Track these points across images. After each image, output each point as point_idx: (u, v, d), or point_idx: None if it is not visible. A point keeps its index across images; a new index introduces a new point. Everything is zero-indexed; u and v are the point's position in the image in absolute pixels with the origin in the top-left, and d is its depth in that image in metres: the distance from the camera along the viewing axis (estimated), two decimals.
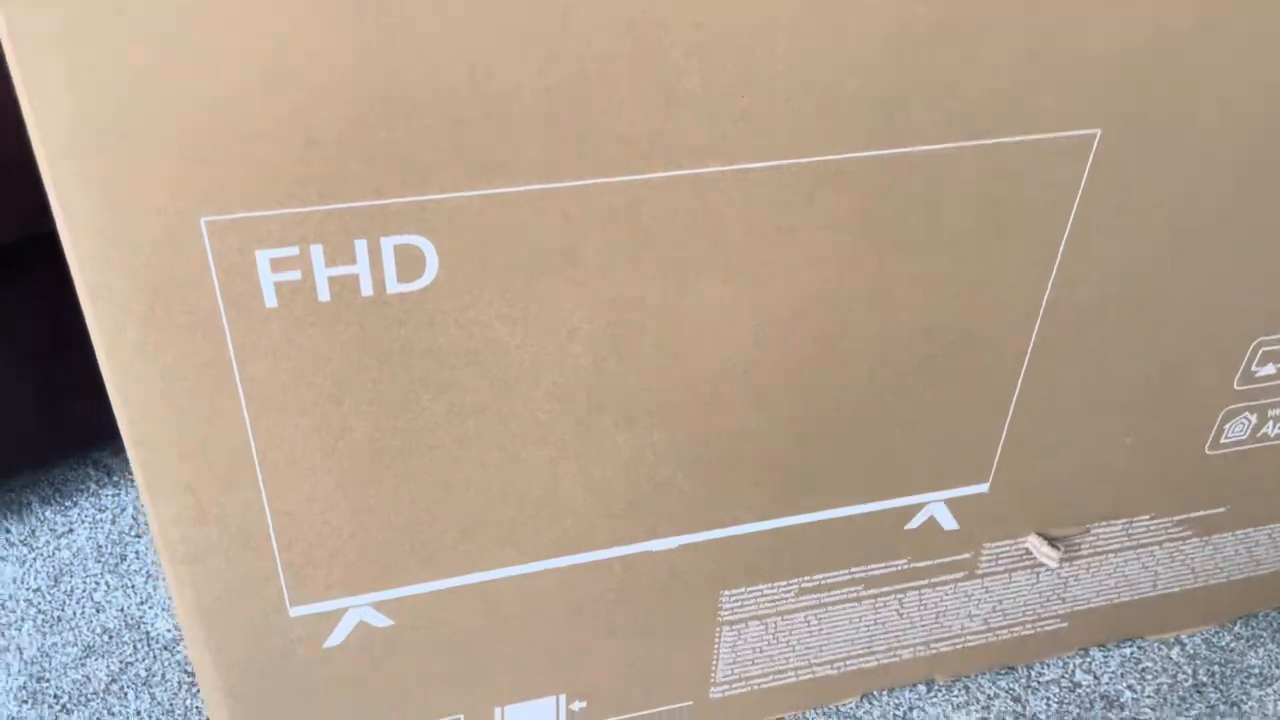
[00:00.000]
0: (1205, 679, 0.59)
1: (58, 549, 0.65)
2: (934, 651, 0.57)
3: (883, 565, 0.51)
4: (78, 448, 0.70)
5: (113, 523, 0.66)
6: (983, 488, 0.50)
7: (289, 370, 0.36)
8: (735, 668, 0.53)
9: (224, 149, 0.31)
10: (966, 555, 0.53)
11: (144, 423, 0.36)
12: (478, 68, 0.32)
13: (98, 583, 0.62)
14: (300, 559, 0.41)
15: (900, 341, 0.43)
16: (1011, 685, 0.58)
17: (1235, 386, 0.50)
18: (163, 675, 0.57)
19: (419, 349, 0.37)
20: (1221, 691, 0.59)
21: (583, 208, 0.35)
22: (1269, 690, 0.59)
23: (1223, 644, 0.61)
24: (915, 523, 0.50)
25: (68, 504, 0.68)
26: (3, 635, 0.59)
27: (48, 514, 0.67)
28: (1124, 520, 0.54)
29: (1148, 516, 0.54)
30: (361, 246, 0.34)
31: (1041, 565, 0.54)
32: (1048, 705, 0.57)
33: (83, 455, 0.71)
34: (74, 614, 0.60)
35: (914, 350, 0.44)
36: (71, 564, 0.64)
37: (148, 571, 0.63)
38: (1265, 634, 0.62)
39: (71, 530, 0.66)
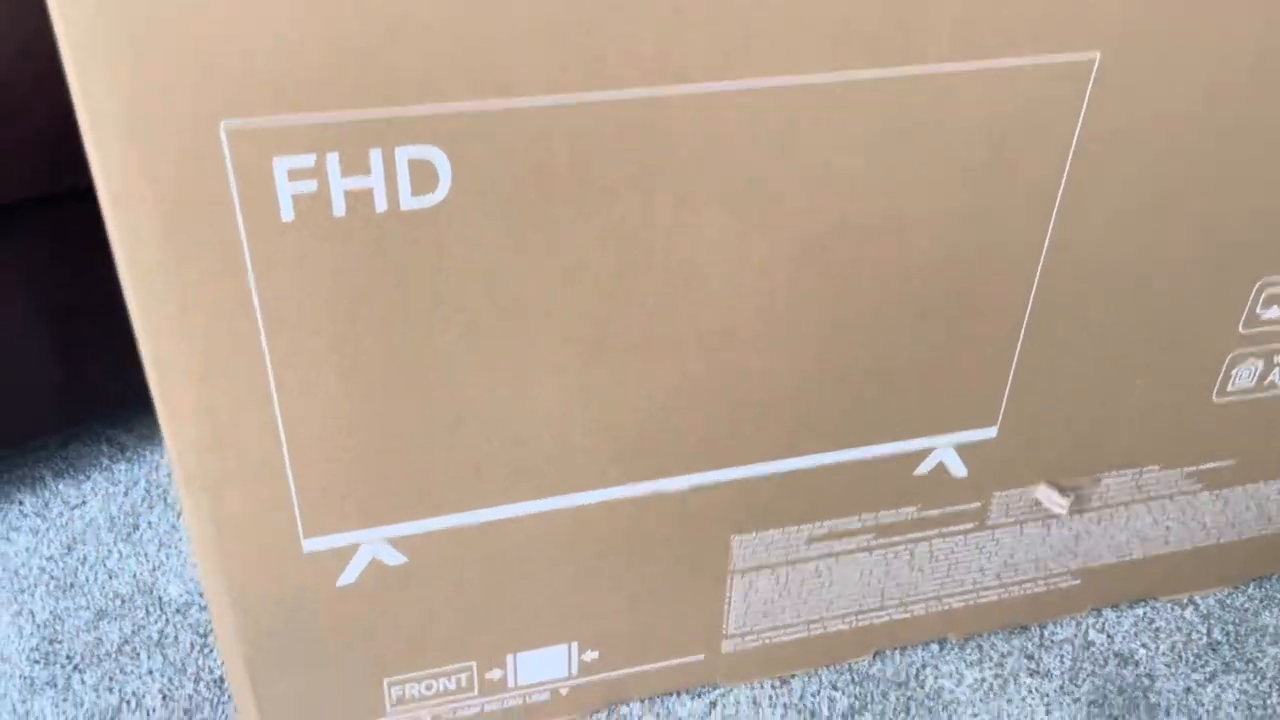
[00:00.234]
0: (1220, 637, 0.59)
1: (70, 520, 0.65)
2: (946, 607, 0.56)
3: (893, 513, 0.51)
4: (92, 419, 0.70)
5: (125, 495, 0.67)
6: (991, 432, 0.50)
7: (305, 288, 0.37)
8: (747, 619, 0.53)
9: (245, 54, 0.32)
10: (976, 505, 0.53)
11: (163, 342, 0.37)
12: None
13: (110, 550, 0.63)
14: (315, 489, 0.42)
15: (908, 277, 0.44)
16: (1025, 644, 0.58)
17: (1240, 330, 0.51)
18: (175, 637, 0.57)
19: (432, 270, 0.38)
20: (1236, 649, 0.58)
21: (591, 124, 0.36)
22: None
23: (1237, 604, 0.61)
24: (924, 468, 0.50)
25: (81, 478, 0.68)
26: (15, 601, 0.59)
27: (61, 487, 0.67)
28: (1133, 471, 0.54)
29: (1157, 467, 0.55)
30: (376, 157, 0.35)
31: (1053, 517, 0.54)
32: (1061, 662, 0.57)
33: (96, 432, 0.72)
34: (86, 580, 0.61)
35: (921, 287, 0.44)
36: (84, 533, 0.64)
37: (160, 540, 0.63)
38: (1279, 594, 0.62)
39: (84, 502, 0.66)
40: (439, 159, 0.35)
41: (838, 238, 0.42)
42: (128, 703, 0.54)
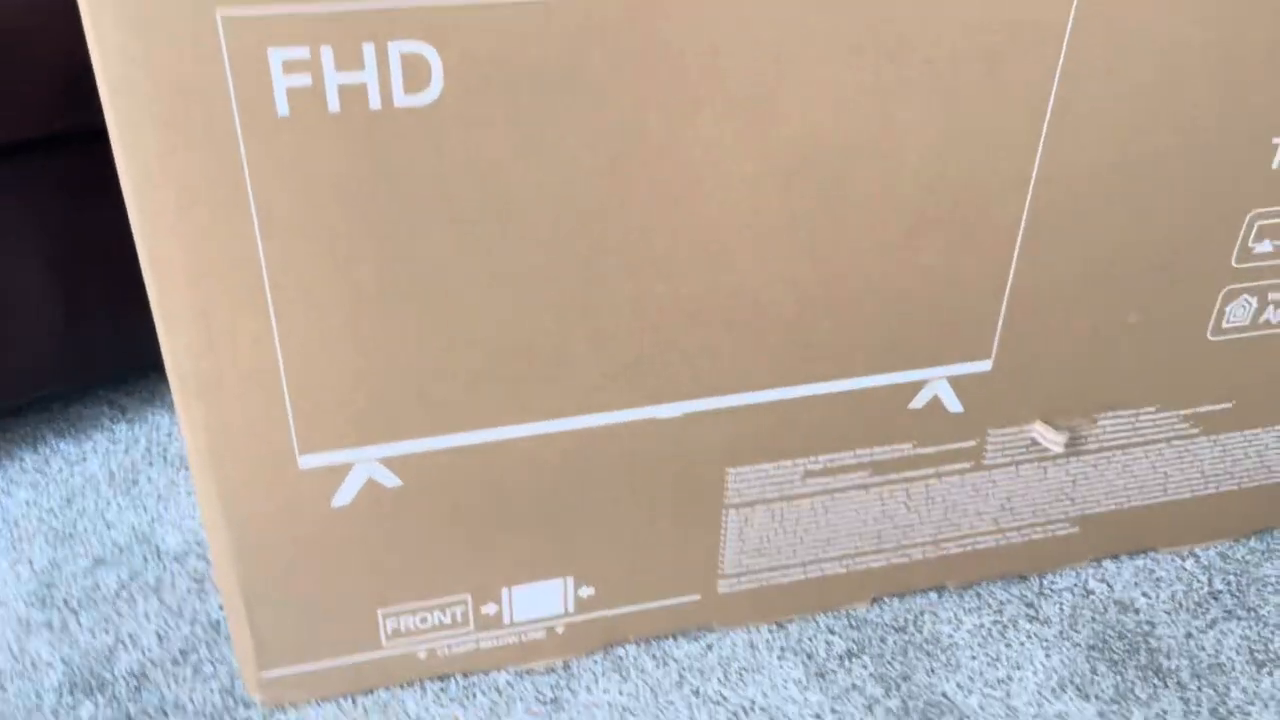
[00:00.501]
0: (1221, 587, 0.59)
1: (71, 475, 0.65)
2: (944, 552, 0.56)
3: (888, 449, 0.51)
4: (95, 382, 0.71)
5: (126, 453, 0.67)
6: (985, 365, 0.50)
7: (301, 188, 0.37)
8: (742, 558, 0.53)
9: None
10: (972, 443, 0.53)
11: (160, 241, 0.37)
12: None
13: (109, 503, 0.63)
14: (310, 402, 0.42)
15: (899, 197, 0.44)
16: (1024, 592, 0.58)
17: (1233, 264, 0.51)
18: (172, 583, 0.57)
19: (426, 171, 0.38)
20: (1238, 598, 0.58)
21: (584, 19, 0.37)
22: None
23: (1238, 556, 0.61)
24: (919, 401, 0.50)
25: (82, 437, 0.68)
26: (13, 549, 0.60)
27: (62, 445, 0.68)
28: (1129, 412, 0.54)
29: (1153, 409, 0.55)
30: (369, 51, 0.35)
31: (1049, 459, 0.54)
32: (1060, 610, 0.57)
33: (99, 395, 0.72)
34: (85, 530, 0.61)
35: (913, 208, 0.45)
36: (84, 488, 0.64)
37: (159, 494, 0.64)
38: None
39: (85, 459, 0.67)
40: (431, 55, 0.36)
41: (828, 153, 0.42)
42: (123, 643, 0.54)
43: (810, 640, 0.55)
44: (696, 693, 0.52)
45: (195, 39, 0.34)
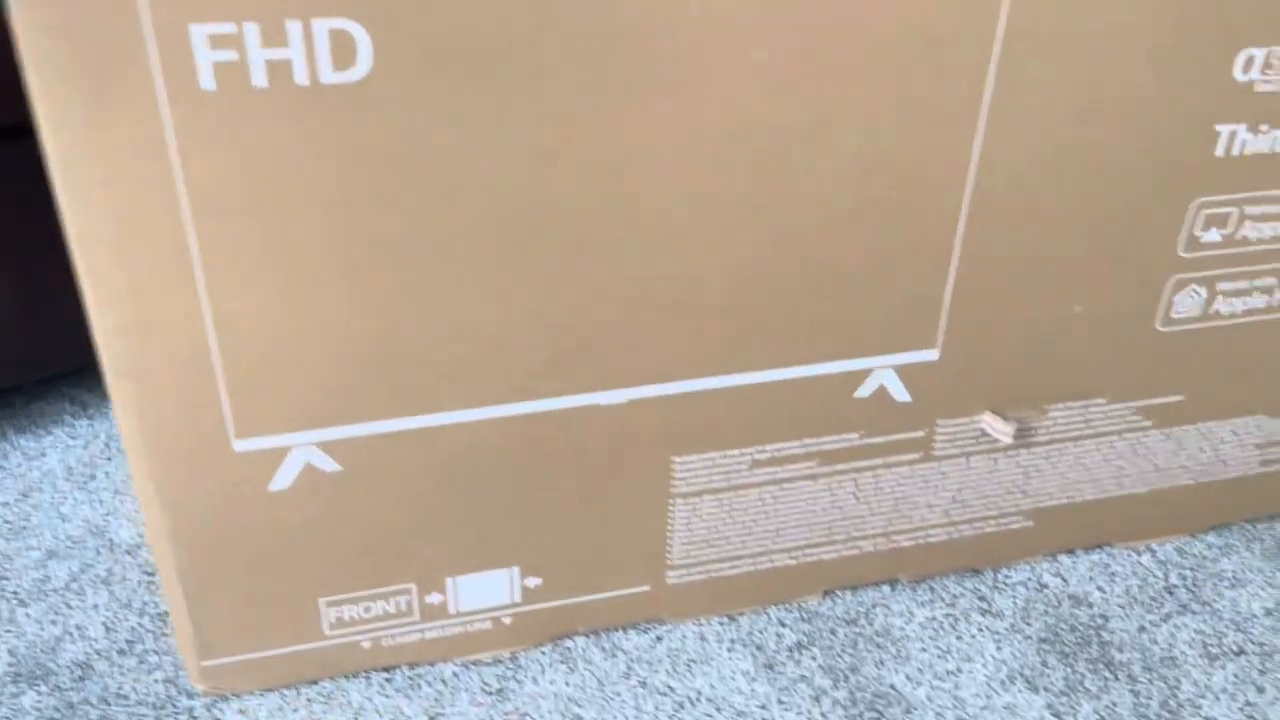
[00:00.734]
0: (1177, 581, 0.58)
1: (28, 470, 0.65)
2: (895, 545, 0.56)
3: (835, 438, 0.51)
4: (57, 378, 0.71)
5: (85, 448, 0.67)
6: (932, 354, 0.50)
7: (229, 164, 0.37)
8: (690, 549, 0.53)
9: None
10: (920, 433, 0.53)
11: (87, 218, 0.37)
12: None
13: (65, 497, 0.63)
14: (244, 384, 0.42)
15: (839, 180, 0.44)
16: (978, 585, 0.58)
17: (1181, 254, 0.51)
18: (123, 575, 0.57)
19: (358, 149, 0.38)
20: (1194, 592, 0.58)
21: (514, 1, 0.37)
22: (1242, 591, 0.58)
23: (1195, 552, 0.60)
24: (865, 390, 0.50)
25: (41, 433, 0.68)
26: None
27: (21, 441, 0.68)
28: (1080, 403, 0.54)
29: (1104, 400, 0.54)
30: (294, 28, 0.35)
31: (999, 450, 0.54)
32: (1014, 603, 0.56)
33: (60, 392, 0.72)
34: (39, 524, 0.61)
35: (853, 191, 0.45)
36: (41, 482, 0.64)
37: (116, 488, 0.63)
38: (1239, 543, 0.61)
39: (44, 455, 0.66)
40: (358, 32, 0.36)
41: (766, 133, 0.42)
42: (70, 634, 0.53)
43: (761, 633, 0.54)
44: (644, 684, 0.52)
45: (118, 8, 0.34)
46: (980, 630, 0.55)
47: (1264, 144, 0.49)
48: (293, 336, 0.41)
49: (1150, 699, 0.51)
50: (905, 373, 0.50)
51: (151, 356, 0.40)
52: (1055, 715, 0.50)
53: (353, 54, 0.36)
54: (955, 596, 0.57)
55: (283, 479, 0.45)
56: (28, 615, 0.55)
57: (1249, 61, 0.46)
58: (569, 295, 0.43)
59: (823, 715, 0.50)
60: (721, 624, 0.55)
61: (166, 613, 0.55)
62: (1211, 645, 0.54)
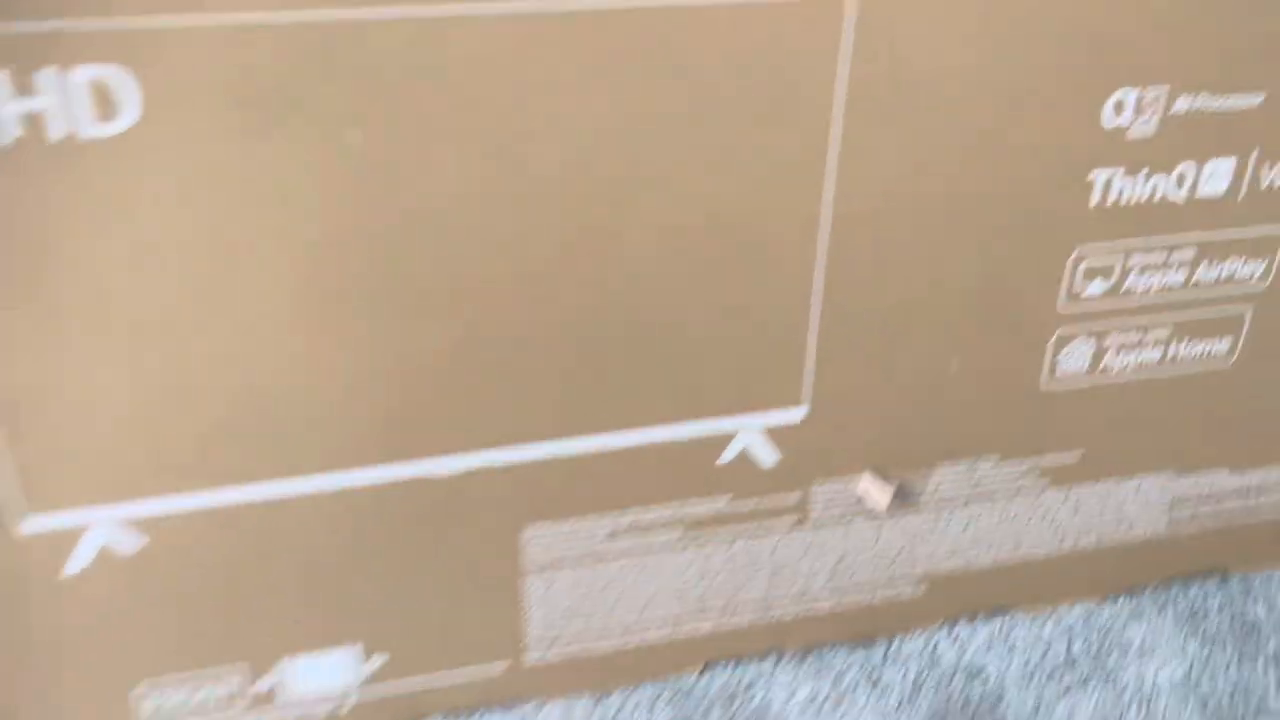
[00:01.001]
0: (1079, 652, 0.55)
1: None
2: (777, 615, 0.52)
3: (701, 503, 0.48)
4: None
5: None
6: (799, 414, 0.47)
7: None
8: (550, 626, 0.49)
9: None
10: (794, 497, 0.49)
11: None
12: None
13: None
14: (31, 456, 0.38)
15: (682, 234, 0.41)
16: (868, 657, 0.54)
17: (1061, 308, 0.48)
18: None
19: (127, 208, 0.35)
20: (1097, 663, 0.54)
21: (295, 45, 0.34)
22: (1149, 662, 0.54)
23: (1103, 618, 0.57)
24: (730, 454, 0.47)
25: None
26: None
27: None
28: (966, 463, 0.51)
29: (992, 461, 0.51)
30: (49, 76, 0.32)
31: (880, 516, 0.51)
32: (904, 677, 0.53)
33: None
34: None
35: (700, 246, 0.42)
36: None
37: None
38: (1150, 607, 0.58)
39: None
40: (123, 80, 0.33)
41: (588, 186, 0.39)
42: None
43: (631, 713, 0.51)
44: None
45: None
46: (865, 708, 0.51)
47: (1143, 190, 0.46)
48: (80, 408, 0.38)
49: None
50: (774, 434, 0.47)
51: None
52: None
53: (118, 104, 0.33)
54: (841, 671, 0.53)
55: (78, 561, 0.41)
56: None
57: (1118, 105, 0.44)
58: (379, 359, 0.40)
59: None
60: (590, 703, 0.51)
61: None
62: None
